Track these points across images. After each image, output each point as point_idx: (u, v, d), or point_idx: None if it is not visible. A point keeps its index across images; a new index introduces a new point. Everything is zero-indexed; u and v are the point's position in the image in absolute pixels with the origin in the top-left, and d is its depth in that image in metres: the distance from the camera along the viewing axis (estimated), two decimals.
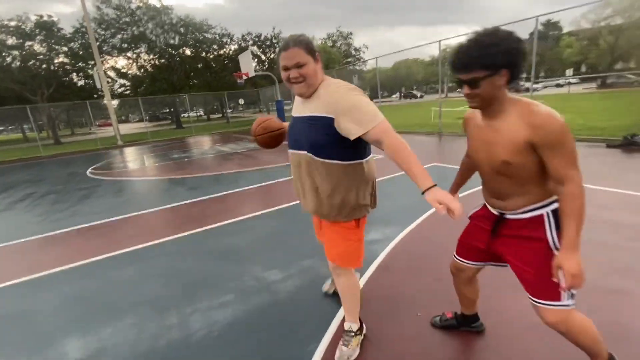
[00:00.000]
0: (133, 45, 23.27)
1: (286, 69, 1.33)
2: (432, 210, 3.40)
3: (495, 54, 1.03)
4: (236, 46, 26.84)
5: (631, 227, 2.71)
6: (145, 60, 24.27)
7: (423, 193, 1.14)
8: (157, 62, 24.37)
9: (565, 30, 37.62)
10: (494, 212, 1.33)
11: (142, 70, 24.40)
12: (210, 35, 25.09)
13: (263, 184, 5.45)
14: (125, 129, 28.77)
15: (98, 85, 17.81)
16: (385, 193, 3.98)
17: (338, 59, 28.91)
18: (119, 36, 22.57)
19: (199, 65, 25.40)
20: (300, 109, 1.45)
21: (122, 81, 24.81)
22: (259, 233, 3.38)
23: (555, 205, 1.17)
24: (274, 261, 2.72)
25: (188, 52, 25.25)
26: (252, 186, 5.34)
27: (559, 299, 1.17)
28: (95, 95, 21.68)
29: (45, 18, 19.73)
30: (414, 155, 1.20)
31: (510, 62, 1.04)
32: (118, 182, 7.13)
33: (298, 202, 3.91)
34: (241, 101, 32.00)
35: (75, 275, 2.83)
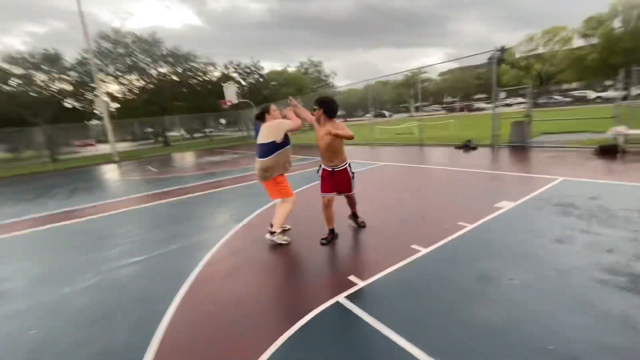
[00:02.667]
0: (126, 73, 26.33)
1: None
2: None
3: (322, 101, 3.27)
4: (219, 73, 30.35)
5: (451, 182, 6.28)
6: (136, 87, 27.25)
7: None
8: (147, 87, 27.39)
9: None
10: (329, 168, 3.37)
11: (134, 94, 27.32)
12: (196, 64, 28.52)
13: (244, 174, 8.78)
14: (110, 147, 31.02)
15: (97, 110, 20.69)
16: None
17: (309, 84, 32.99)
18: (114, 66, 25.61)
19: (185, 90, 28.58)
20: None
21: (115, 104, 27.56)
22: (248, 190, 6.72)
23: (348, 163, 3.42)
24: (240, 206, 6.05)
25: (175, 78, 28.47)
26: (240, 175, 8.69)
27: (353, 190, 3.54)
28: (95, 119, 24.36)
29: (50, 51, 22.58)
30: None
31: (326, 105, 3.24)
32: (146, 178, 10.26)
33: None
34: (223, 121, 35.50)
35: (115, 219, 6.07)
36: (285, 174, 3.62)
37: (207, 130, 33.54)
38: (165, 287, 2.86)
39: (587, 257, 2.67)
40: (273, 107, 3.63)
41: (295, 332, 2.10)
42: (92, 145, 34.42)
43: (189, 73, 28.53)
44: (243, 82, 31.94)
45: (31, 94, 22.72)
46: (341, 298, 2.42)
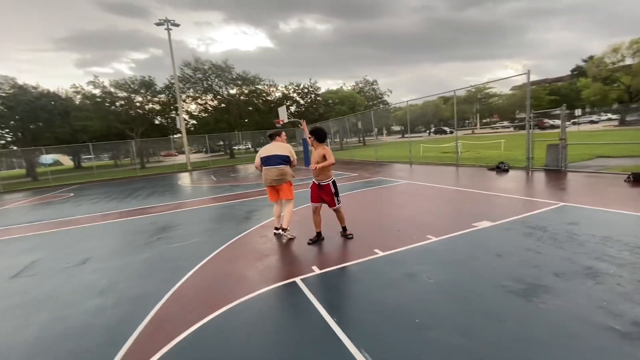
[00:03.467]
0: (202, 94, 30.53)
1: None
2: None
3: (313, 131, 4.37)
4: (280, 94, 33.20)
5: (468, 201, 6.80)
6: (210, 106, 31.30)
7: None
8: (219, 106, 31.26)
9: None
10: (317, 182, 4.42)
11: (207, 113, 31.40)
12: (261, 86, 31.72)
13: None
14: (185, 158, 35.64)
15: (178, 126, 24.53)
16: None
17: (363, 102, 34.02)
18: (192, 89, 29.95)
19: (250, 109, 31.88)
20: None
21: (192, 121, 31.95)
22: None
23: (332, 180, 4.45)
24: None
25: (242, 98, 31.98)
26: None
27: (337, 205, 4.36)
28: (176, 134, 28.72)
29: (146, 78, 27.52)
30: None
31: (316, 134, 4.34)
32: (212, 186, 12.21)
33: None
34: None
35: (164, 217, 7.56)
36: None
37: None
38: (190, 262, 4.03)
39: (508, 268, 3.11)
40: (283, 133, 4.86)
41: (257, 294, 3.03)
42: (174, 155, 39.88)
43: (253, 94, 31.81)
44: (301, 101, 34.35)
45: (130, 112, 27.75)
46: (297, 279, 3.28)
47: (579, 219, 4.37)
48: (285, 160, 4.65)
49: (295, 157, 4.77)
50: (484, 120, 63.13)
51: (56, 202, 11.63)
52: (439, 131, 54.59)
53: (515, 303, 2.53)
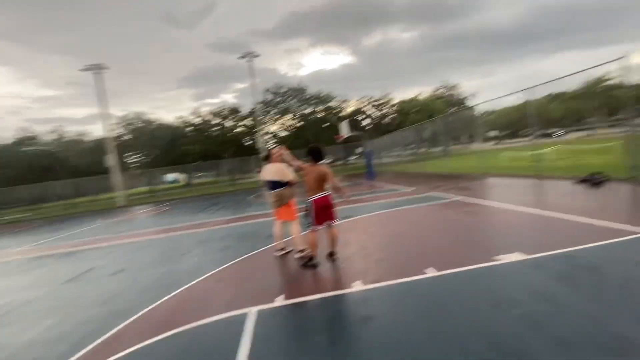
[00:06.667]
0: (282, 115, 32.99)
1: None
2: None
3: (311, 150, 4.21)
4: (353, 107, 33.49)
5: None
6: (288, 126, 33.55)
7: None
8: (295, 125, 33.21)
9: None
10: (316, 197, 4.27)
11: (287, 131, 33.67)
12: (334, 103, 32.59)
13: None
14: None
15: (259, 146, 26.97)
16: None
17: (442, 109, 31.58)
18: (274, 111, 32.64)
19: (325, 125, 32.89)
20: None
21: (274, 140, 34.68)
22: None
23: (328, 192, 4.77)
24: None
25: (318, 116, 33.30)
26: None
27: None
28: (260, 153, 31.68)
29: (234, 106, 31.29)
30: None
31: (312, 153, 4.19)
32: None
33: None
34: (359, 149, 38.53)
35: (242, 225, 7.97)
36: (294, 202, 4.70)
37: (351, 158, 37.18)
38: (188, 278, 4.25)
39: (495, 326, 2.31)
40: (274, 151, 4.74)
41: (207, 321, 2.98)
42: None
43: (328, 112, 32.87)
44: (377, 113, 33.91)
45: (225, 135, 31.75)
46: (254, 309, 3.10)
47: None
48: (279, 184, 4.56)
49: (292, 177, 4.60)
50: (612, 119, 51.54)
51: (149, 215, 13.94)
52: (544, 135, 46.69)
53: None
